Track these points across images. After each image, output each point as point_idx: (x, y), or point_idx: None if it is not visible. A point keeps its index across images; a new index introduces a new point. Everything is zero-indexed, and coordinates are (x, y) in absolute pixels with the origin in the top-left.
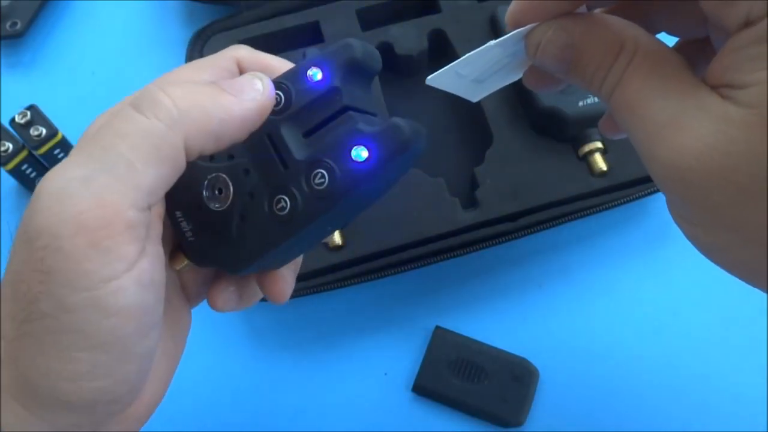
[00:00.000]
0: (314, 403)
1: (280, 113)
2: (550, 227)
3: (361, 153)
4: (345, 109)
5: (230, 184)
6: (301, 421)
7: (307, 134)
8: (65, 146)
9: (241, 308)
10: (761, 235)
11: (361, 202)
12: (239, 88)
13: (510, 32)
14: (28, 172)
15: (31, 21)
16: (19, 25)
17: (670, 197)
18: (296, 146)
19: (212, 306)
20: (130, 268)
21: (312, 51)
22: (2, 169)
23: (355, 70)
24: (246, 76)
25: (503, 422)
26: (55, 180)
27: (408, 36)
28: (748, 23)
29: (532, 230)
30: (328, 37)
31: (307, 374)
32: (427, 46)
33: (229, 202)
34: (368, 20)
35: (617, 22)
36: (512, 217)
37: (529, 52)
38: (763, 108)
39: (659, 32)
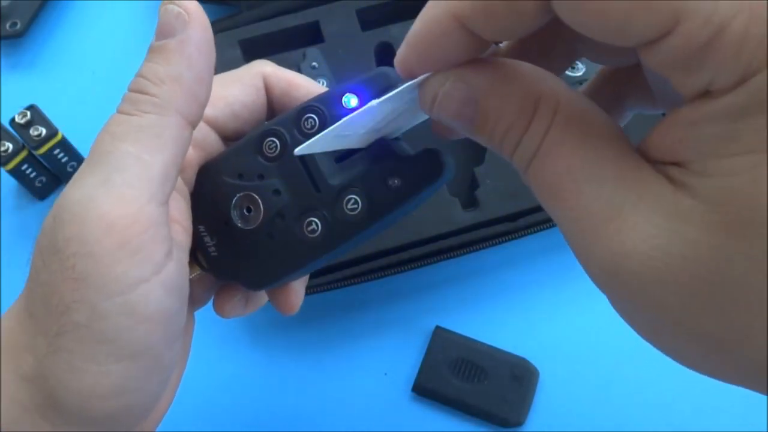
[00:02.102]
0: (314, 403)
1: (313, 137)
2: (550, 227)
3: (395, 181)
4: (380, 137)
5: (260, 203)
6: (301, 421)
7: (340, 159)
8: (65, 146)
9: (246, 314)
10: (732, 346)
11: (388, 224)
12: (166, 30)
13: (400, 85)
14: (28, 172)
15: (31, 21)
16: (19, 25)
17: (611, 299)
18: (329, 171)
19: (219, 313)
20: (158, 271)
21: (312, 51)
22: (2, 169)
23: None
24: (160, 15)
25: (503, 422)
26: (75, 191)
27: None
28: (709, 93)
29: (532, 230)
30: (328, 37)
31: (307, 374)
32: None
33: (259, 222)
34: (368, 20)
35: (532, 72)
36: (512, 217)
37: (423, 107)
38: (731, 206)
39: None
